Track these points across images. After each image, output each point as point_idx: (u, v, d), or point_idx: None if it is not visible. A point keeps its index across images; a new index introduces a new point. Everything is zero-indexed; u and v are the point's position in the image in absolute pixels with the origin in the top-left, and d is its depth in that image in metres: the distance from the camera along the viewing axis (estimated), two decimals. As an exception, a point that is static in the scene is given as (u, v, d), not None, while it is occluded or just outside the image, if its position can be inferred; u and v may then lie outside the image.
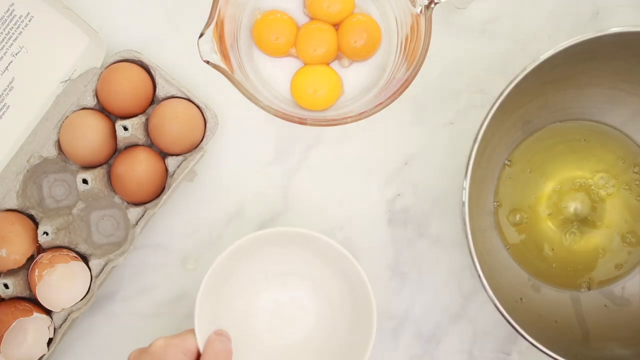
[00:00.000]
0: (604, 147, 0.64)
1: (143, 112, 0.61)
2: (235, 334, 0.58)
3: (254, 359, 0.60)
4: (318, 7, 0.61)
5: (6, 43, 0.61)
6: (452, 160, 0.64)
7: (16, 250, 0.58)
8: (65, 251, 0.60)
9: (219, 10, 0.53)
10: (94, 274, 0.60)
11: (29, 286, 0.60)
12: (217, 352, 0.54)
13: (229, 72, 0.53)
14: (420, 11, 0.55)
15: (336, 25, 0.62)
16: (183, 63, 0.63)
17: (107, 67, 0.60)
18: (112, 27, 0.63)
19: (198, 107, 0.61)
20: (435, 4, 0.54)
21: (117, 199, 0.62)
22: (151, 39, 0.63)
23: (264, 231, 0.57)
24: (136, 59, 0.61)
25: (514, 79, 0.53)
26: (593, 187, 0.64)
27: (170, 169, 0.61)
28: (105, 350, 0.64)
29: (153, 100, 0.61)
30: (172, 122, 0.59)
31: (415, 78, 0.55)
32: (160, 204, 0.60)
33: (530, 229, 0.64)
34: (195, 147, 0.61)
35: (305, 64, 0.62)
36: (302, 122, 0.55)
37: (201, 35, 0.52)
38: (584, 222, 0.64)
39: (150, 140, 0.61)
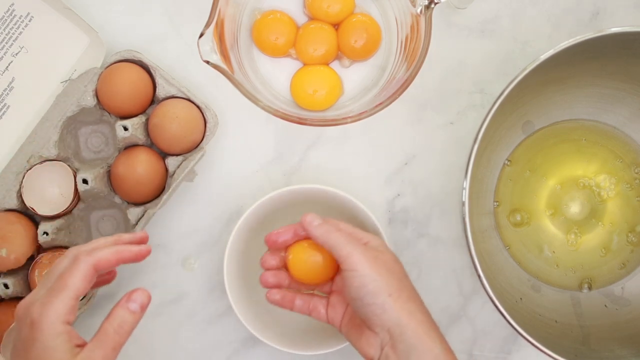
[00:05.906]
0: (604, 147, 0.64)
1: (143, 112, 0.61)
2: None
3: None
4: (318, 7, 0.61)
5: (6, 43, 0.61)
6: (452, 160, 0.64)
7: (16, 250, 0.58)
8: (65, 251, 0.60)
9: (219, 10, 0.53)
10: (94, 274, 0.60)
11: (29, 286, 0.60)
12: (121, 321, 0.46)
13: (229, 72, 0.53)
14: (420, 11, 0.55)
15: (336, 25, 0.62)
16: (183, 63, 0.63)
17: (107, 67, 0.60)
18: (112, 27, 0.63)
19: (198, 107, 0.61)
20: (435, 4, 0.54)
21: (117, 199, 0.62)
22: (151, 39, 0.63)
23: (282, 189, 0.59)
24: (136, 59, 0.61)
25: (514, 79, 0.53)
26: (594, 187, 0.64)
27: (170, 169, 0.61)
28: (105, 350, 0.64)
29: (153, 100, 0.61)
30: (172, 122, 0.59)
31: (415, 78, 0.55)
32: (160, 204, 0.60)
33: (531, 229, 0.64)
34: (195, 147, 0.61)
35: (305, 64, 0.62)
36: (302, 122, 0.55)
37: (201, 35, 0.52)
38: (584, 222, 0.64)
39: (150, 140, 0.61)
